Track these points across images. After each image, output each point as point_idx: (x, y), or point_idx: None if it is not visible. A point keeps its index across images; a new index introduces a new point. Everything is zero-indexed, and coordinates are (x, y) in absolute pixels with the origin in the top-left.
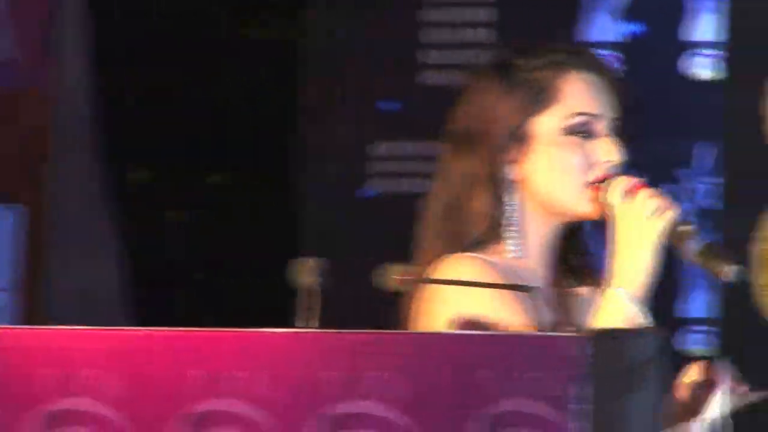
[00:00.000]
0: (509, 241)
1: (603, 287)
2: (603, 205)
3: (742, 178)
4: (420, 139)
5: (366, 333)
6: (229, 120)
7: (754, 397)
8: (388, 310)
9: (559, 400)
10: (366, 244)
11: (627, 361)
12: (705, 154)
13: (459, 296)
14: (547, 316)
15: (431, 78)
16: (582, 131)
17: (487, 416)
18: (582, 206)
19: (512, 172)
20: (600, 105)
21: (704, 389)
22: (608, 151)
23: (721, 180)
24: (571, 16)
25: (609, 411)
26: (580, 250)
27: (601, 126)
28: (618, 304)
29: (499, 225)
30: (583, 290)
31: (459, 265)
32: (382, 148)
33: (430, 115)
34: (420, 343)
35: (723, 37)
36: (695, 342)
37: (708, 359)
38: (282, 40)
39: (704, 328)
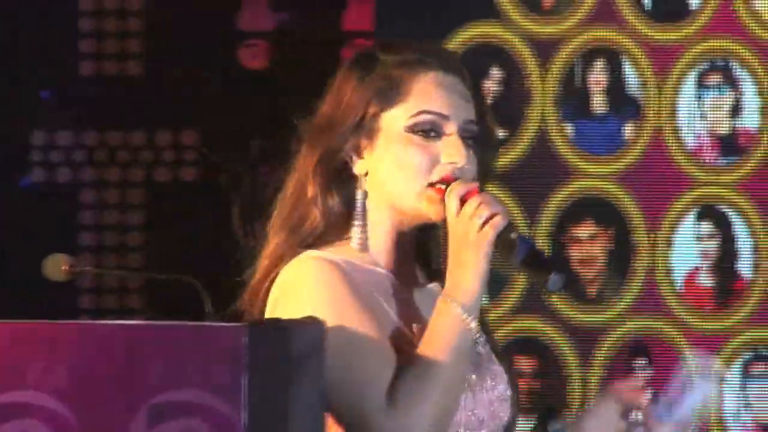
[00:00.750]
0: (354, 236)
1: (442, 294)
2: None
3: None
4: (80, 128)
5: (28, 323)
6: None
7: None
8: (53, 298)
9: (223, 390)
10: (29, 233)
11: (289, 352)
12: None
13: (302, 304)
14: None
15: (89, 68)
16: (426, 130)
17: (152, 406)
18: (422, 207)
19: (357, 165)
20: (449, 106)
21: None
22: (452, 153)
23: None
24: (230, 5)
25: (270, 401)
26: (433, 246)
27: (450, 127)
28: (449, 314)
29: (343, 219)
30: (433, 286)
31: (308, 269)
32: (43, 137)
33: (90, 105)
34: (84, 333)
35: (373, 25)
36: None
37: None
38: None
39: None
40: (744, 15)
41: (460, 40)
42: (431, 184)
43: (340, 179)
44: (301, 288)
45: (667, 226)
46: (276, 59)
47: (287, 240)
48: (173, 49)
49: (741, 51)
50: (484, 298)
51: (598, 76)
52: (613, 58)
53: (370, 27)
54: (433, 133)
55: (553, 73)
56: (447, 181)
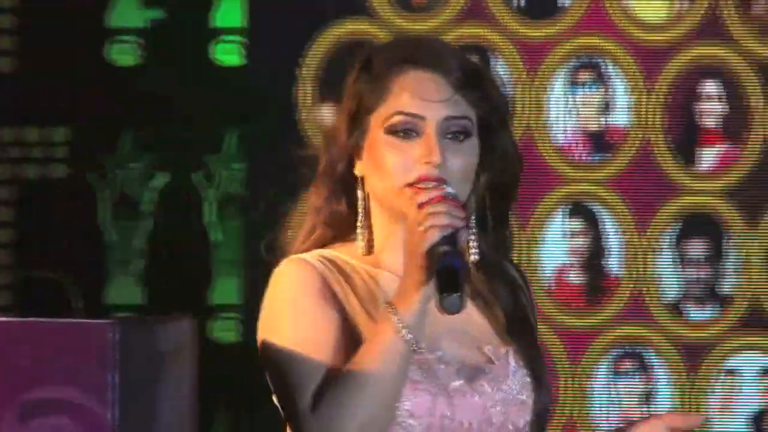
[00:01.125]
0: (358, 239)
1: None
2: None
3: (266, 163)
4: None
5: None
6: None
7: None
8: None
9: (92, 387)
10: None
11: (157, 348)
12: (232, 140)
13: (267, 306)
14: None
15: None
16: (401, 131)
17: (21, 404)
18: (404, 206)
19: (357, 167)
20: (425, 106)
21: None
22: (426, 153)
23: (246, 165)
24: (101, 1)
25: (140, 396)
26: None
27: (427, 126)
28: (385, 323)
29: (353, 221)
30: None
31: (283, 270)
32: None
33: None
34: None
35: (245, 23)
36: (224, 329)
37: None
38: None
39: (232, 314)
40: (614, 12)
41: (331, 36)
42: (410, 184)
43: (348, 182)
44: (270, 290)
45: (536, 222)
46: (147, 56)
47: (300, 248)
48: (45, 46)
49: (611, 48)
50: None
51: None
52: (483, 54)
53: (241, 24)
54: (413, 134)
55: None
56: (423, 180)
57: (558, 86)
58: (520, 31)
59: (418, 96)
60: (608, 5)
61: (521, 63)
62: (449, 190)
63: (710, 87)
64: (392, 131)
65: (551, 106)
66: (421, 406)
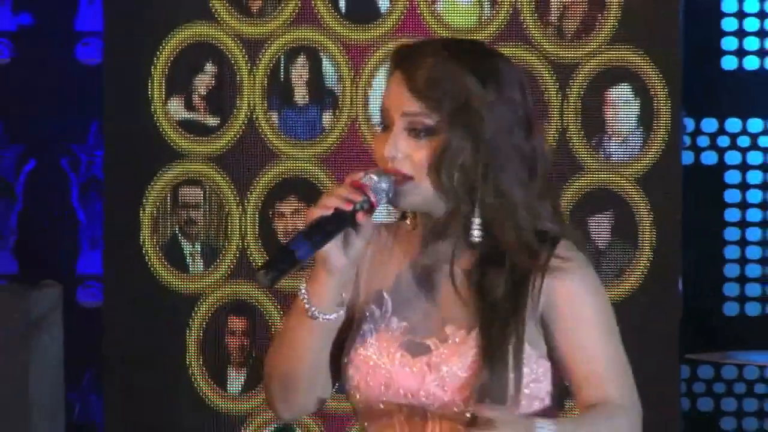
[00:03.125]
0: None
1: None
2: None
3: (121, 151)
4: None
5: None
6: None
7: None
8: None
9: None
10: None
11: (25, 314)
12: (96, 131)
13: None
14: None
15: None
16: (381, 124)
17: None
18: None
19: None
20: (391, 100)
21: None
22: (385, 144)
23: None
24: None
25: (10, 362)
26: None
27: (393, 120)
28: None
29: None
30: (429, 262)
31: None
32: None
33: None
34: None
35: (102, 26)
36: (90, 296)
37: None
38: None
39: (96, 283)
40: (427, 16)
41: (177, 38)
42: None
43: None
44: None
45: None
46: (18, 57)
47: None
48: None
49: None
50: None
51: (300, 71)
52: (313, 55)
53: (96, 27)
54: (387, 129)
55: (260, 68)
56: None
57: (379, 82)
58: (345, 33)
59: (389, 91)
60: (422, 11)
61: (346, 62)
62: (374, 177)
63: None
64: (379, 123)
65: (373, 100)
66: (362, 366)
